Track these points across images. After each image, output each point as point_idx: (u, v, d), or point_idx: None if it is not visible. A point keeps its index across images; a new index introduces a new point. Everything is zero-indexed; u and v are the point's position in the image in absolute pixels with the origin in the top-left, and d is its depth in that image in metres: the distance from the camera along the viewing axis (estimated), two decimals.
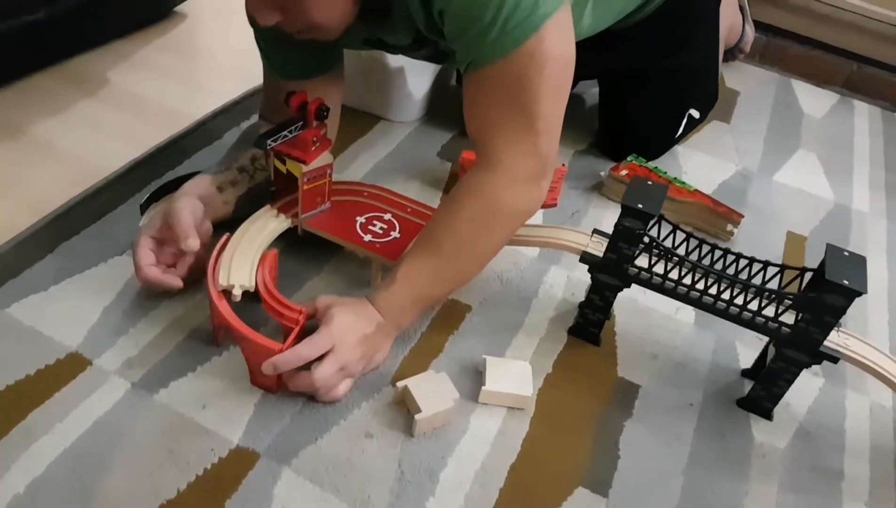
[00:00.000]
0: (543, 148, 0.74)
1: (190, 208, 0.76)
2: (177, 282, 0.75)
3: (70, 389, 0.70)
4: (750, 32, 1.46)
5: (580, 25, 0.91)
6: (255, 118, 1.07)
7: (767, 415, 0.79)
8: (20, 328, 0.74)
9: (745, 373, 0.84)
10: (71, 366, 0.72)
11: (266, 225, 0.81)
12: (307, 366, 0.69)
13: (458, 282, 0.81)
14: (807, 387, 0.83)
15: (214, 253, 0.76)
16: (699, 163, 1.20)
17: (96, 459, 0.64)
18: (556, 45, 0.69)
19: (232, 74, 1.20)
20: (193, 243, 0.74)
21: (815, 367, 0.81)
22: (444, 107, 1.21)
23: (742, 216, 1.03)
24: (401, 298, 0.74)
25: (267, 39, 0.85)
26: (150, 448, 0.66)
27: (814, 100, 1.46)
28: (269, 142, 0.75)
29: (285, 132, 0.76)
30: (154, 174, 0.97)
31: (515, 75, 0.69)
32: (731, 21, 1.38)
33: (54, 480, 0.62)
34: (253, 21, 0.81)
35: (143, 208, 0.89)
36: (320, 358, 0.69)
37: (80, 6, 1.17)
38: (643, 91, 1.11)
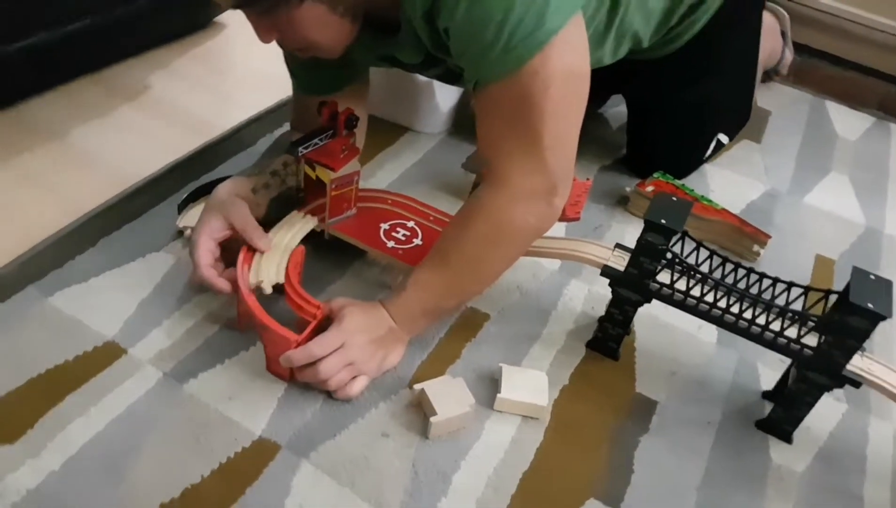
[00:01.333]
0: (552, 165, 0.73)
1: (249, 211, 0.80)
2: (226, 287, 0.77)
3: (105, 375, 0.73)
4: (789, 56, 1.45)
5: (601, 52, 0.92)
6: (286, 127, 1.11)
7: (787, 438, 0.78)
8: (61, 316, 0.78)
9: (767, 395, 0.83)
10: (107, 354, 0.75)
11: (293, 224, 0.84)
12: None
13: (468, 295, 0.83)
14: (829, 412, 0.82)
15: (244, 246, 0.79)
16: (727, 182, 1.20)
17: (127, 443, 0.67)
18: (563, 62, 0.68)
19: (265, 85, 1.24)
20: (267, 245, 0.80)
21: (838, 392, 0.81)
22: (469, 120, 1.22)
23: (769, 237, 1.03)
24: (411, 306, 0.76)
25: (294, 60, 0.89)
26: (178, 435, 0.69)
27: (848, 121, 1.45)
28: (300, 149, 0.78)
29: (316, 140, 0.79)
30: (191, 176, 1.01)
31: (520, 94, 0.69)
32: (771, 46, 1.38)
33: (87, 460, 0.66)
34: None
35: (181, 208, 0.93)
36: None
37: (123, 16, 1.21)
38: (671, 115, 1.11)
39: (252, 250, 0.79)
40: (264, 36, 0.70)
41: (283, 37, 0.70)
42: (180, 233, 0.91)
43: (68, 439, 0.67)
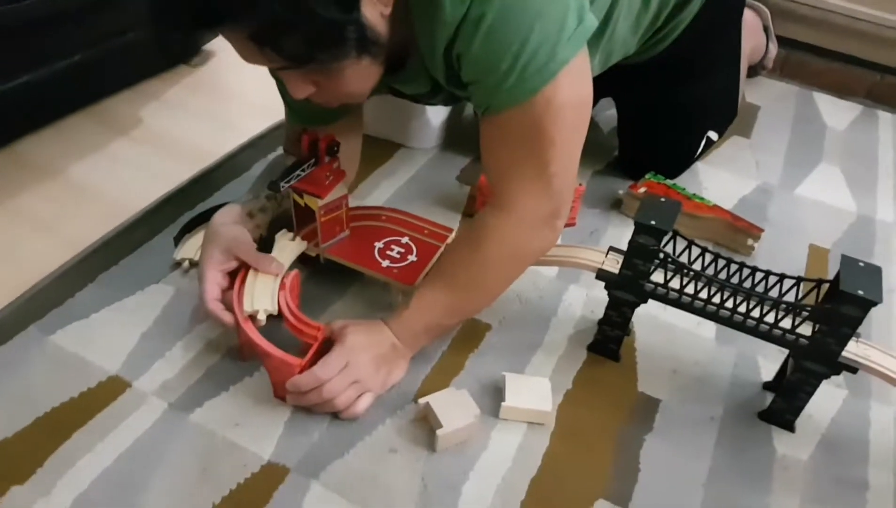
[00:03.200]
0: (558, 189, 0.74)
1: (250, 238, 0.80)
2: (231, 320, 0.76)
3: (111, 410, 0.74)
4: (773, 50, 1.47)
5: (591, 65, 0.93)
6: (280, 150, 1.12)
7: (789, 427, 0.79)
8: (64, 353, 0.79)
9: (767, 386, 0.84)
10: (111, 389, 0.76)
11: (283, 249, 0.84)
12: None
13: (469, 313, 0.84)
14: (830, 399, 0.83)
15: (239, 276, 0.79)
16: (719, 179, 1.21)
17: (136, 476, 0.68)
18: (572, 91, 0.70)
19: (257, 111, 1.25)
20: (279, 268, 0.80)
21: (838, 379, 0.82)
22: (461, 133, 1.24)
23: (762, 230, 1.04)
24: (414, 324, 0.77)
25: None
26: (186, 465, 0.69)
27: (836, 112, 1.46)
28: (281, 184, 0.77)
29: (298, 172, 0.79)
30: (186, 207, 1.01)
31: (531, 122, 0.70)
32: (754, 43, 1.39)
33: (96, 496, 0.66)
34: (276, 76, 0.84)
35: (177, 239, 0.94)
36: None
37: (114, 49, 1.22)
38: (660, 117, 1.13)
39: (244, 278, 0.79)
40: (299, 91, 0.69)
41: (320, 90, 0.69)
42: (178, 264, 0.91)
43: (77, 476, 0.67)
